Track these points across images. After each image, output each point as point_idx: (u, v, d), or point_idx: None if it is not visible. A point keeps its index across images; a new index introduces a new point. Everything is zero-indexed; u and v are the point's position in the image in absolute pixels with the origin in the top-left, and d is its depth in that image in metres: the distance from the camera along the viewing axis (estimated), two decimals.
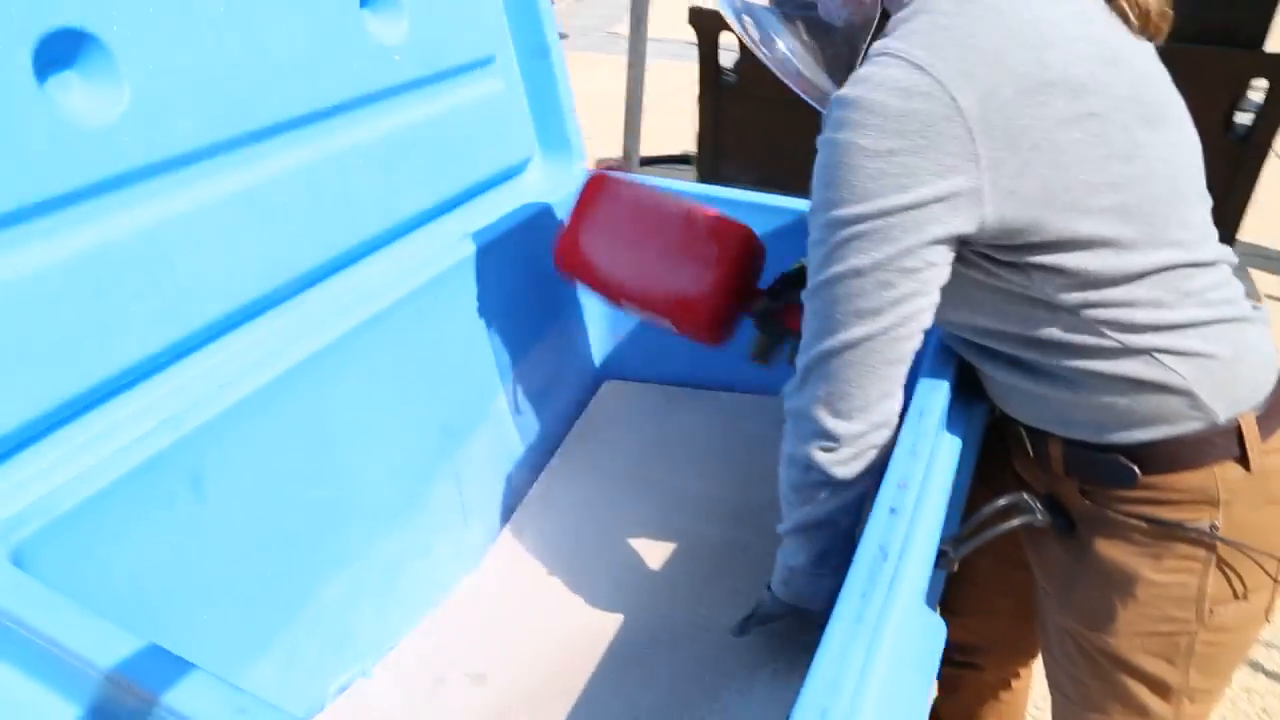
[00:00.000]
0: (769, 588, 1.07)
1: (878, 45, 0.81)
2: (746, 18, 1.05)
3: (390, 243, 1.32)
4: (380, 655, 1.24)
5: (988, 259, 0.85)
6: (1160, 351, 0.85)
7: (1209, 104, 2.27)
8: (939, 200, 0.77)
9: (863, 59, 0.84)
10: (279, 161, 1.14)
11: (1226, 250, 0.90)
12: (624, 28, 8.45)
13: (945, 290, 0.86)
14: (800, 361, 0.89)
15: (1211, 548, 0.91)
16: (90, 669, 0.64)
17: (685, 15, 2.94)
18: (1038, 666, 1.45)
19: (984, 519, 1.01)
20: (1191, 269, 0.85)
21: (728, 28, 3.26)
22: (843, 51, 1.00)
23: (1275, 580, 0.93)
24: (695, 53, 2.93)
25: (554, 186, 1.61)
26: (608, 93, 4.76)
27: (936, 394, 0.97)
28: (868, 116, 0.76)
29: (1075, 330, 0.85)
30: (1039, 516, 0.99)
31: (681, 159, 3.51)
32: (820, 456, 0.90)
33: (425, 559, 1.31)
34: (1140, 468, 0.90)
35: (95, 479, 0.83)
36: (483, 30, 1.49)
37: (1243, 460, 0.88)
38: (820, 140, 0.82)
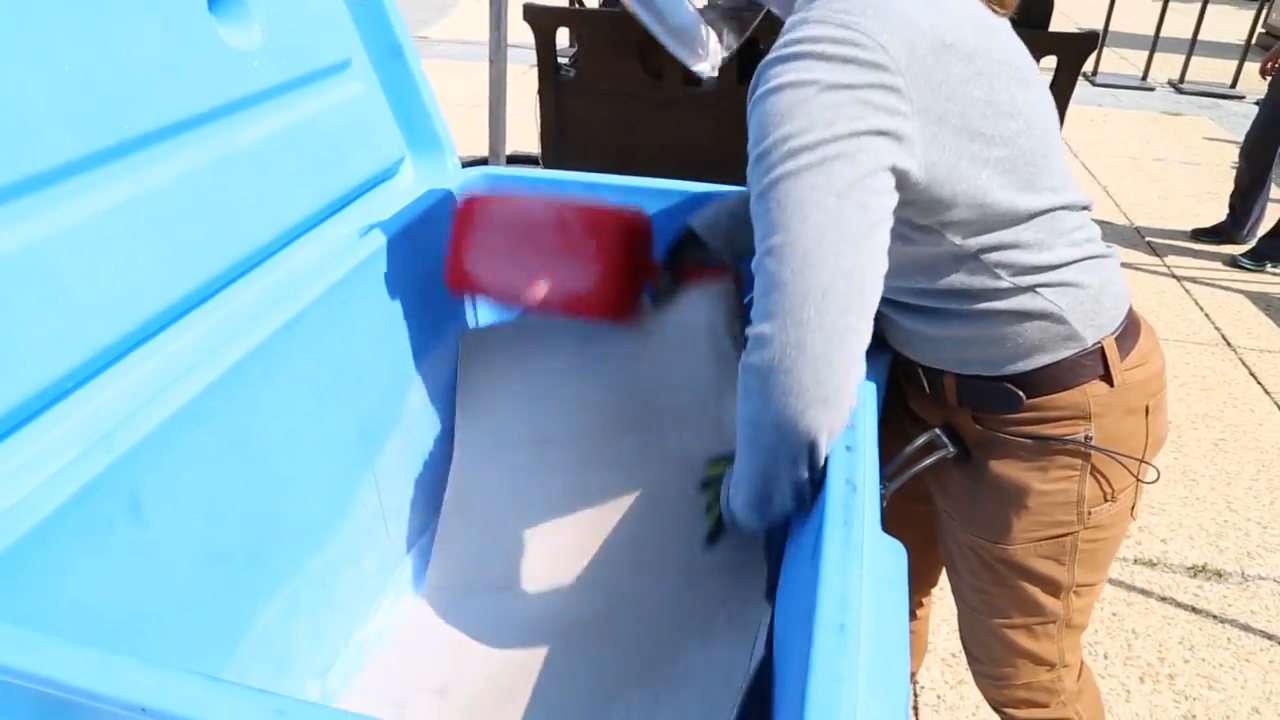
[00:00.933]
0: (728, 505, 1.02)
1: (792, 19, 0.86)
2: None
3: (278, 251, 1.26)
4: (322, 675, 1.20)
5: (908, 225, 0.92)
6: (1042, 286, 0.97)
7: None
8: (888, 134, 0.81)
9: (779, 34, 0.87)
10: (157, 172, 1.08)
11: (1085, 195, 1.03)
12: (433, 31, 8.35)
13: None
14: (785, 322, 0.79)
15: (1086, 456, 1.05)
16: (99, 703, 0.60)
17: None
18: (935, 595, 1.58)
19: (907, 458, 1.11)
20: (1063, 212, 0.98)
21: (562, 23, 3.30)
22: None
23: (1137, 479, 1.08)
24: (506, 53, 2.95)
25: (430, 185, 1.59)
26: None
27: None
28: (813, 62, 0.80)
29: (975, 274, 0.96)
30: (950, 449, 1.10)
31: (531, 159, 3.51)
32: (829, 419, 0.82)
33: (354, 569, 1.27)
34: (1025, 392, 1.02)
35: (31, 512, 0.76)
36: (335, 34, 1.46)
37: (1107, 378, 1.02)
38: (759, 95, 0.82)
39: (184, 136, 1.13)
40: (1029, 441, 1.05)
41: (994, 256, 0.95)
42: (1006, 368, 1.02)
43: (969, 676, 1.93)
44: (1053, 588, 1.13)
